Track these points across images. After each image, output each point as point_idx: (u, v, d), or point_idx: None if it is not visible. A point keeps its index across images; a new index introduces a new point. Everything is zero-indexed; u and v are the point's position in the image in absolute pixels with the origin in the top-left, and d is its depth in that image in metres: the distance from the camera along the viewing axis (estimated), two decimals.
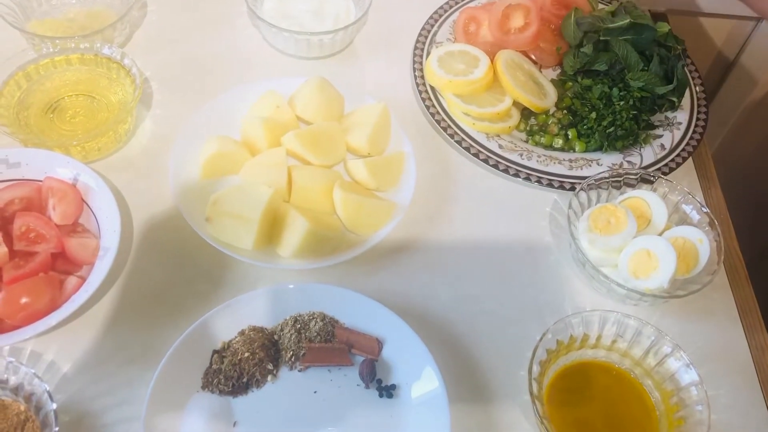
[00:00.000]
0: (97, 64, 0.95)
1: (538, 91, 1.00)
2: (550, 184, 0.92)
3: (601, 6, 1.12)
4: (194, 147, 0.89)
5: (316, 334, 0.77)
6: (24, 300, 0.73)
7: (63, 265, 0.79)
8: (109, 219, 0.80)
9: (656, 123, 1.00)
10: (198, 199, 0.85)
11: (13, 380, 0.68)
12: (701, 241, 0.82)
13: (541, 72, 1.04)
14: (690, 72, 1.06)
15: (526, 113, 1.00)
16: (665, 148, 0.97)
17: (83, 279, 0.77)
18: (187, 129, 0.90)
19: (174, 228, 0.85)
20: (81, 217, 0.83)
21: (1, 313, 0.73)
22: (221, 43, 1.07)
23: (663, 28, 1.04)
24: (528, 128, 0.99)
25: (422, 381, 0.74)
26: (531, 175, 0.92)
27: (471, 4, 1.11)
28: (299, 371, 0.76)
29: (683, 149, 0.97)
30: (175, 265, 0.84)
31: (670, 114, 1.01)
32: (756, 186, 1.35)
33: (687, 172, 0.99)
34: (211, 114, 0.93)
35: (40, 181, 0.83)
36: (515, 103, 0.99)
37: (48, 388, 0.66)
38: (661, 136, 0.98)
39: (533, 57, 1.06)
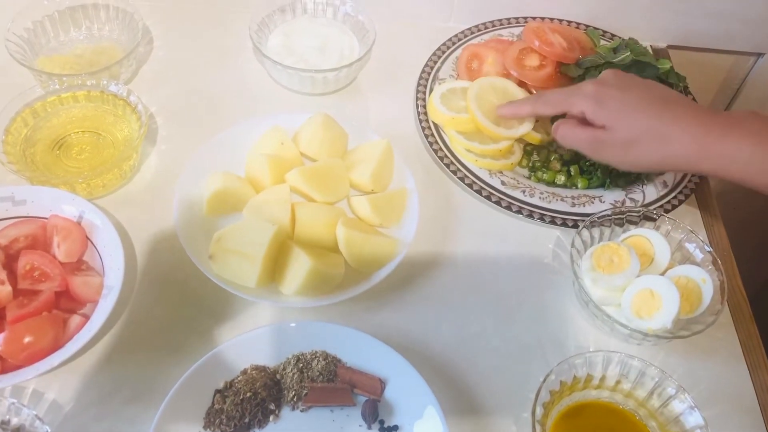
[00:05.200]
0: (104, 101, 0.96)
1: (541, 125, 1.01)
2: (552, 221, 0.92)
3: (603, 42, 1.14)
4: (198, 183, 0.90)
5: (318, 373, 0.77)
6: (27, 339, 0.73)
7: (67, 304, 0.79)
8: (113, 257, 0.80)
9: None
10: (202, 235, 0.85)
11: (15, 421, 0.68)
12: (704, 281, 0.81)
13: None
14: None
15: (528, 150, 1.01)
16: (667, 185, 0.97)
17: (86, 317, 0.77)
18: (192, 165, 0.90)
19: (177, 265, 0.86)
20: (85, 255, 0.83)
21: (3, 352, 0.73)
22: (226, 79, 1.08)
23: (665, 65, 1.05)
24: (530, 165, 1.00)
25: (425, 421, 0.73)
26: (534, 212, 0.93)
27: (474, 41, 1.12)
28: (301, 411, 0.76)
29: (685, 186, 0.97)
30: (178, 302, 0.84)
31: None
32: (759, 220, 1.35)
33: (690, 209, 0.99)
34: (215, 149, 0.93)
35: (46, 218, 0.83)
36: (517, 140, 1.00)
37: (49, 430, 0.66)
38: (663, 173, 0.99)
39: (535, 93, 1.06)
